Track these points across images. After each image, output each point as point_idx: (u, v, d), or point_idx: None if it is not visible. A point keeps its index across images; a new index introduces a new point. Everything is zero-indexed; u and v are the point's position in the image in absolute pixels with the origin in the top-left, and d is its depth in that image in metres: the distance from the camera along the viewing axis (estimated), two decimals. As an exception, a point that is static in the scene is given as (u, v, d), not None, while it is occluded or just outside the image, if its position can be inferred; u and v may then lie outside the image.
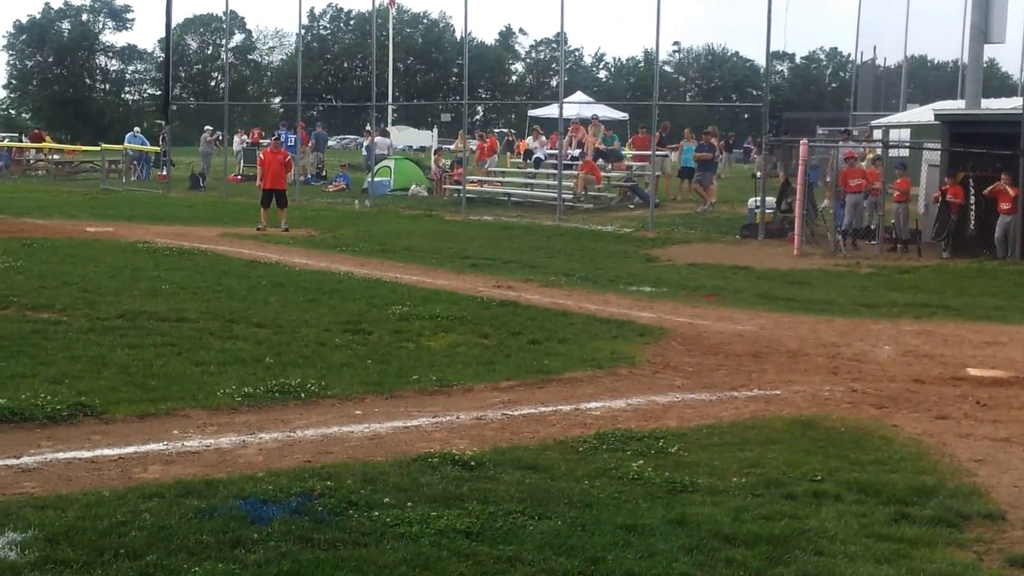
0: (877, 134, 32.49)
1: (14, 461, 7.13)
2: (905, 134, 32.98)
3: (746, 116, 77.17)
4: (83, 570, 5.32)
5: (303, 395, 9.08)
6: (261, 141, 41.82)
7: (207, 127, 46.19)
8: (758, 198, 25.02)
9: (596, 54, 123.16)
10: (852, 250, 21.94)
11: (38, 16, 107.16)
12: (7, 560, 5.39)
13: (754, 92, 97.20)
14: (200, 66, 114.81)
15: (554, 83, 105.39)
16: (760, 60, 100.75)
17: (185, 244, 20.76)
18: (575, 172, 31.31)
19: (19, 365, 9.75)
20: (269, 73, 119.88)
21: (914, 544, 6.09)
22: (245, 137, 45.11)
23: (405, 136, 67.18)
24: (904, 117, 35.32)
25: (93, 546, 5.58)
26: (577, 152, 32.75)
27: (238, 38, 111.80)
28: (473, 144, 37.79)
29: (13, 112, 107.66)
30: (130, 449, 7.48)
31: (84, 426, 8.02)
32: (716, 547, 5.91)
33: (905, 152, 28.55)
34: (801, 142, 22.74)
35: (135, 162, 45.93)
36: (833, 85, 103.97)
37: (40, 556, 5.45)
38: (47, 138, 55.04)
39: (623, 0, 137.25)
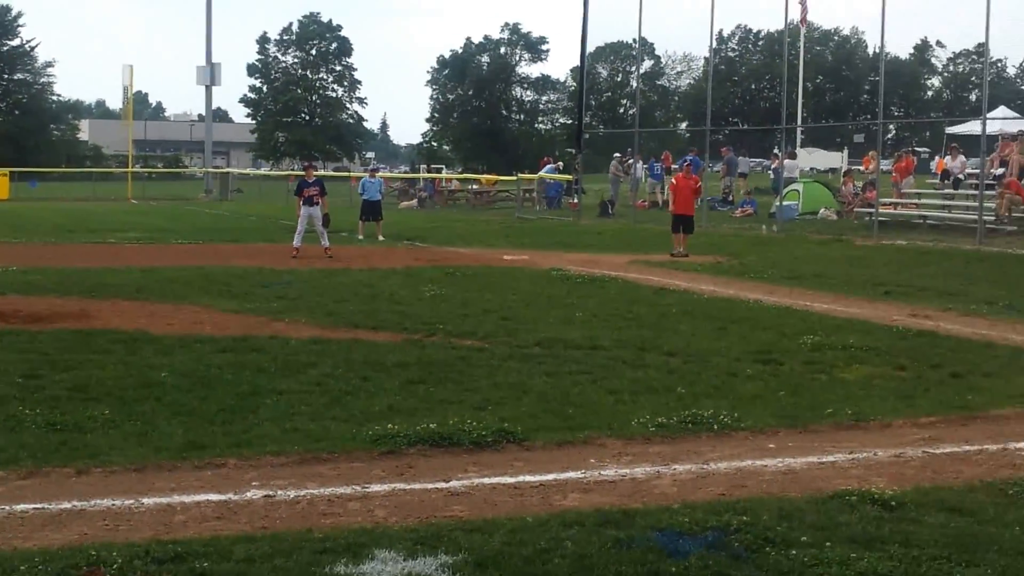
0: None
1: (444, 484, 7.52)
2: None
3: None
4: (509, 595, 5.55)
5: (715, 426, 9.08)
6: (672, 167, 42.36)
7: (616, 155, 47.26)
8: None
9: (1021, 64, 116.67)
10: None
11: (460, 51, 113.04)
12: (441, 581, 5.71)
13: None
14: (609, 93, 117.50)
15: (973, 98, 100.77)
16: None
17: (596, 271, 21.30)
18: (998, 192, 29.75)
19: (446, 391, 10.30)
20: (676, 98, 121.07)
21: None
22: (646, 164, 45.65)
23: (814, 158, 66.06)
24: None
25: (518, 572, 5.80)
26: (1000, 171, 31.12)
27: (647, 64, 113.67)
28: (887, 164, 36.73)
29: (435, 144, 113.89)
30: (550, 476, 7.72)
31: (507, 452, 8.36)
32: None
33: None
34: None
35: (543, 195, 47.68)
36: None
37: (470, 579, 5.73)
38: None
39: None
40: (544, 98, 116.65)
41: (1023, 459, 8.27)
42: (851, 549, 6.13)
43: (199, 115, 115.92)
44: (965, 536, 6.40)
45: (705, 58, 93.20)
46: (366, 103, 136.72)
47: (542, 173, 50.20)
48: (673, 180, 28.82)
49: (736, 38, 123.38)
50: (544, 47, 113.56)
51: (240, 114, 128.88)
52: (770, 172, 46.76)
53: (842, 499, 7.08)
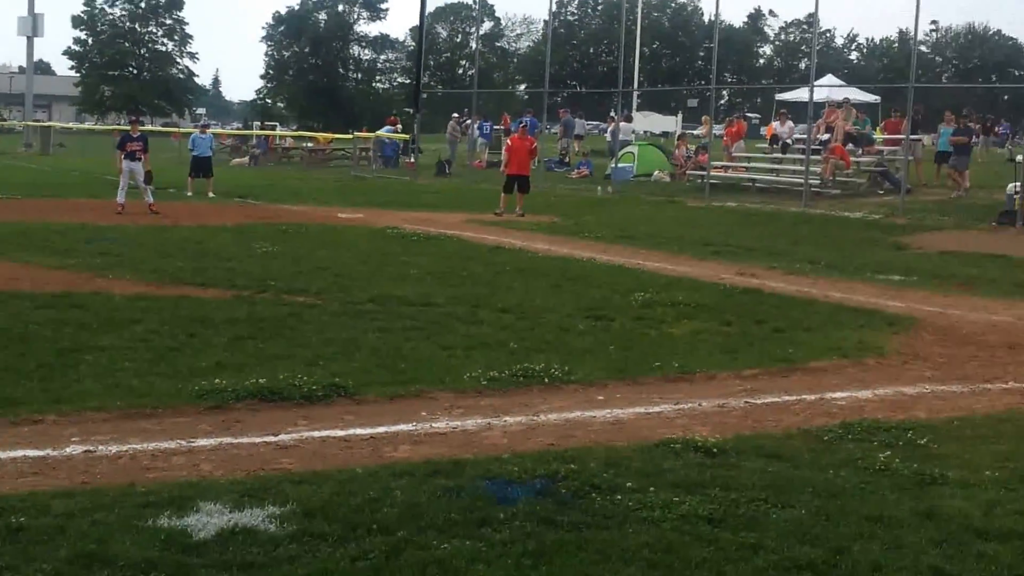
0: None
1: (272, 438, 7.44)
2: None
3: (1006, 98, 73.78)
4: (337, 543, 5.51)
5: (546, 380, 9.17)
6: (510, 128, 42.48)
7: (454, 114, 47.17)
8: (1018, 183, 23.90)
9: (848, 35, 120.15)
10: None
11: (296, 8, 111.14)
12: (267, 532, 5.65)
13: (1016, 72, 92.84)
14: (448, 54, 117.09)
15: (803, 66, 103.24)
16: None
17: (431, 230, 21.27)
18: (823, 157, 30.62)
19: (277, 347, 10.19)
20: (515, 60, 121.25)
21: None
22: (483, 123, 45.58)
23: (649, 122, 66.94)
24: None
25: (347, 521, 5.79)
26: (826, 136, 32.01)
27: (487, 26, 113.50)
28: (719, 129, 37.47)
29: (269, 101, 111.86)
30: (381, 429, 7.71)
31: (337, 406, 8.31)
32: (966, 541, 5.70)
33: None
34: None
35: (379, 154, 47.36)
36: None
37: (298, 529, 5.68)
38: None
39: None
40: (382, 57, 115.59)
41: (839, 408, 8.55)
42: (674, 493, 6.28)
43: (19, 67, 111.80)
44: (782, 480, 6.61)
45: (545, 21, 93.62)
46: (197, 58, 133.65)
47: (380, 132, 49.87)
48: (509, 141, 28.94)
49: (575, 2, 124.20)
50: (383, 6, 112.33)
51: (64, 67, 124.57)
52: (606, 135, 47.19)
53: (667, 447, 7.23)
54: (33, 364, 9.16)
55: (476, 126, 44.02)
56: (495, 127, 46.03)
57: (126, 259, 15.97)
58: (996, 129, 47.79)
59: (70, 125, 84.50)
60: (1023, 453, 7.28)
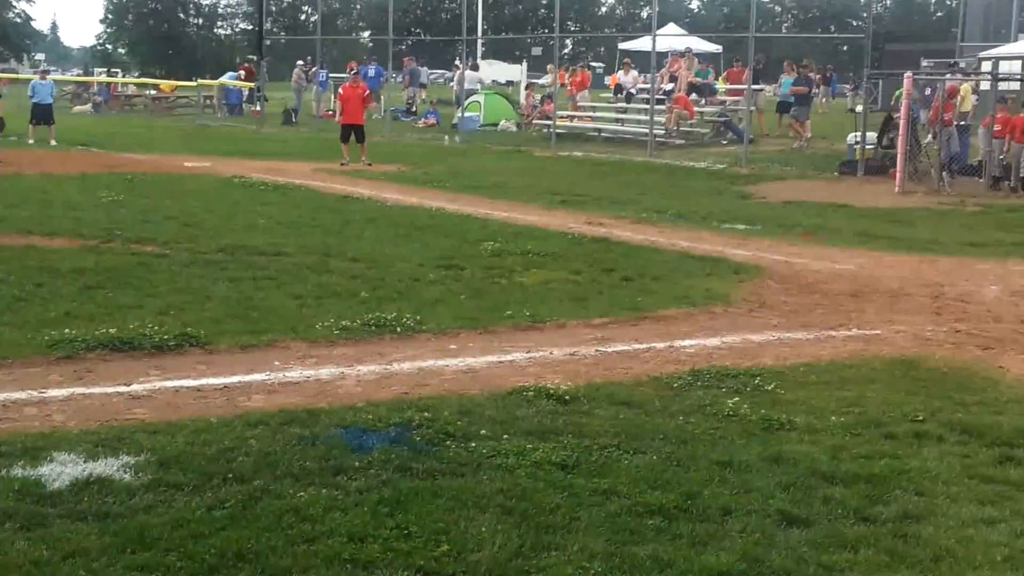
0: (986, 66, 31.11)
1: (125, 388, 7.38)
2: (1016, 66, 31.46)
3: (845, 48, 75.48)
4: (193, 492, 5.52)
5: (399, 329, 9.21)
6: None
7: (299, 62, 46.46)
8: (858, 133, 24.56)
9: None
10: (941, 184, 21.45)
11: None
12: (122, 481, 5.63)
13: (854, 23, 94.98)
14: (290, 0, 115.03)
15: (645, 15, 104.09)
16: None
17: (280, 179, 21.06)
18: (667, 107, 31.03)
19: (126, 296, 10.05)
20: (359, 6, 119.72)
21: (1019, 487, 6.03)
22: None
23: (495, 70, 66.89)
24: (1016, 48, 33.56)
25: (202, 470, 5.80)
26: (670, 86, 32.41)
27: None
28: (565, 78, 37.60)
29: (110, 47, 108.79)
30: (234, 379, 7.70)
31: (190, 356, 8.26)
32: (813, 485, 5.93)
33: (1016, 85, 27.64)
34: (905, 75, 22.25)
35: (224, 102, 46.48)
36: (939, 15, 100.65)
37: (153, 479, 5.68)
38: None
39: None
40: (224, 2, 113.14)
41: (687, 356, 8.76)
42: (527, 440, 6.41)
43: None
44: (633, 426, 6.79)
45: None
46: (34, 2, 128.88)
47: (223, 79, 48.94)
48: (340, 90, 28.66)
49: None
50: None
51: None
52: (452, 84, 47.04)
53: (520, 395, 7.35)
54: None
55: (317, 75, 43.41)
56: (331, 75, 45.37)
57: (-34, 208, 15.53)
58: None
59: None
60: (867, 399, 7.57)
